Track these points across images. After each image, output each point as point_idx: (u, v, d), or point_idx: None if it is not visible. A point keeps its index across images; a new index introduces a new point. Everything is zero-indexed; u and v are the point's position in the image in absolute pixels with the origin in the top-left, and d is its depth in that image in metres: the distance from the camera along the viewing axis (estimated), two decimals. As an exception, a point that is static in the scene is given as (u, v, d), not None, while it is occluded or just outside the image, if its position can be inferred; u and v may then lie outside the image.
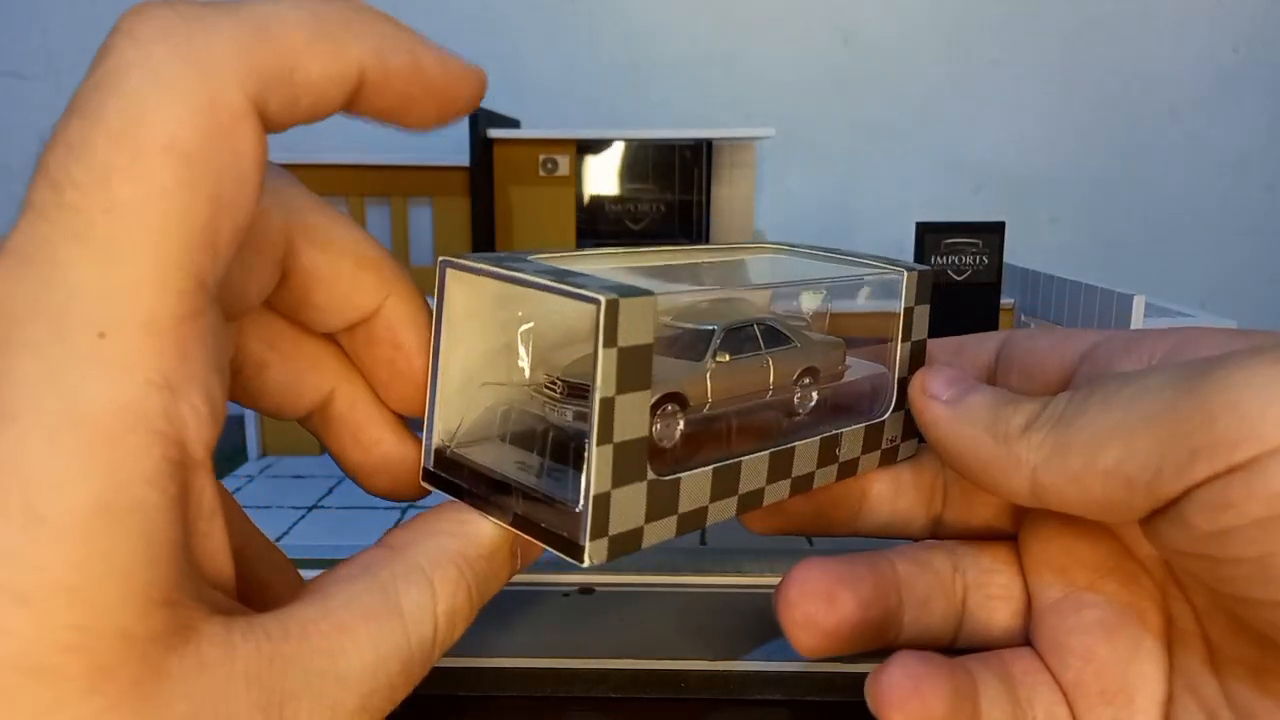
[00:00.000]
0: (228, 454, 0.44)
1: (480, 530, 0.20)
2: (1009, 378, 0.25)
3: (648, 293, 0.19)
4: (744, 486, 0.22)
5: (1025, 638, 0.24)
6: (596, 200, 0.47)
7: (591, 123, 0.47)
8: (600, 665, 0.26)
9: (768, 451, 0.22)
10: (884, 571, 0.23)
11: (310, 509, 0.37)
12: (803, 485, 0.24)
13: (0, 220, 0.16)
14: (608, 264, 0.26)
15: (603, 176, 0.47)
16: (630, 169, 0.47)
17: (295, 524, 0.35)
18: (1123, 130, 0.62)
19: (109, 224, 0.14)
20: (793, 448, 0.23)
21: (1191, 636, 0.21)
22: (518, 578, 0.31)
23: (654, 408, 0.21)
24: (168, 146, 0.14)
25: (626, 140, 0.46)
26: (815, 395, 0.25)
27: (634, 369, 0.19)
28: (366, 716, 0.17)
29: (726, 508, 0.22)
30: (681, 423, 0.22)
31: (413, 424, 0.22)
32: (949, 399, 0.22)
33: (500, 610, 0.29)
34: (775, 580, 0.31)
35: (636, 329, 0.19)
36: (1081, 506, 0.19)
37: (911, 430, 0.25)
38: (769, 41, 0.60)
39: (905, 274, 0.25)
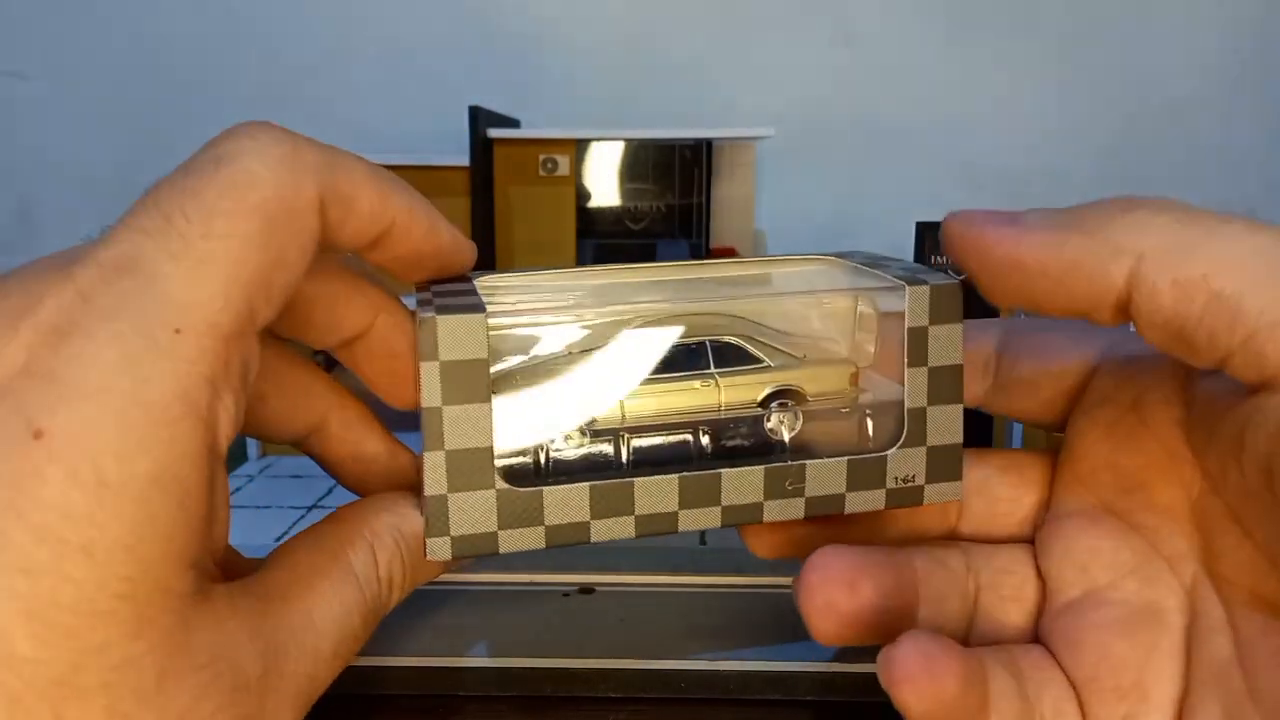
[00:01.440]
0: (228, 453, 0.44)
1: (414, 514, 0.23)
2: (1017, 366, 0.25)
3: (477, 311, 0.20)
4: (644, 508, 0.22)
5: (1035, 639, 0.24)
6: (596, 200, 0.47)
7: (591, 123, 0.47)
8: (600, 665, 0.26)
9: (676, 475, 0.22)
10: (901, 565, 0.23)
11: (310, 509, 0.37)
12: (745, 515, 0.23)
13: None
14: (591, 281, 0.26)
15: (603, 176, 0.47)
16: (630, 169, 0.47)
17: (295, 524, 0.35)
18: (1123, 130, 0.62)
19: (203, 247, 0.17)
20: (718, 474, 0.22)
21: (1218, 633, 0.21)
22: (518, 577, 0.31)
23: None
24: (259, 206, 0.18)
25: (626, 140, 0.46)
26: (799, 418, 0.24)
27: (463, 382, 0.20)
28: (339, 661, 0.21)
29: (620, 527, 0.22)
30: (582, 437, 0.23)
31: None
32: (1004, 219, 0.21)
33: (500, 610, 0.29)
34: (775, 580, 0.31)
35: (462, 344, 0.20)
36: (1163, 320, 0.18)
37: (945, 472, 0.23)
38: (769, 41, 0.60)
39: (908, 289, 0.22)
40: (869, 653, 0.27)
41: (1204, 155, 0.62)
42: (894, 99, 0.61)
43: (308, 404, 0.24)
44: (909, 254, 0.37)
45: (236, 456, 0.44)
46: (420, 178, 0.45)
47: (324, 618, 0.20)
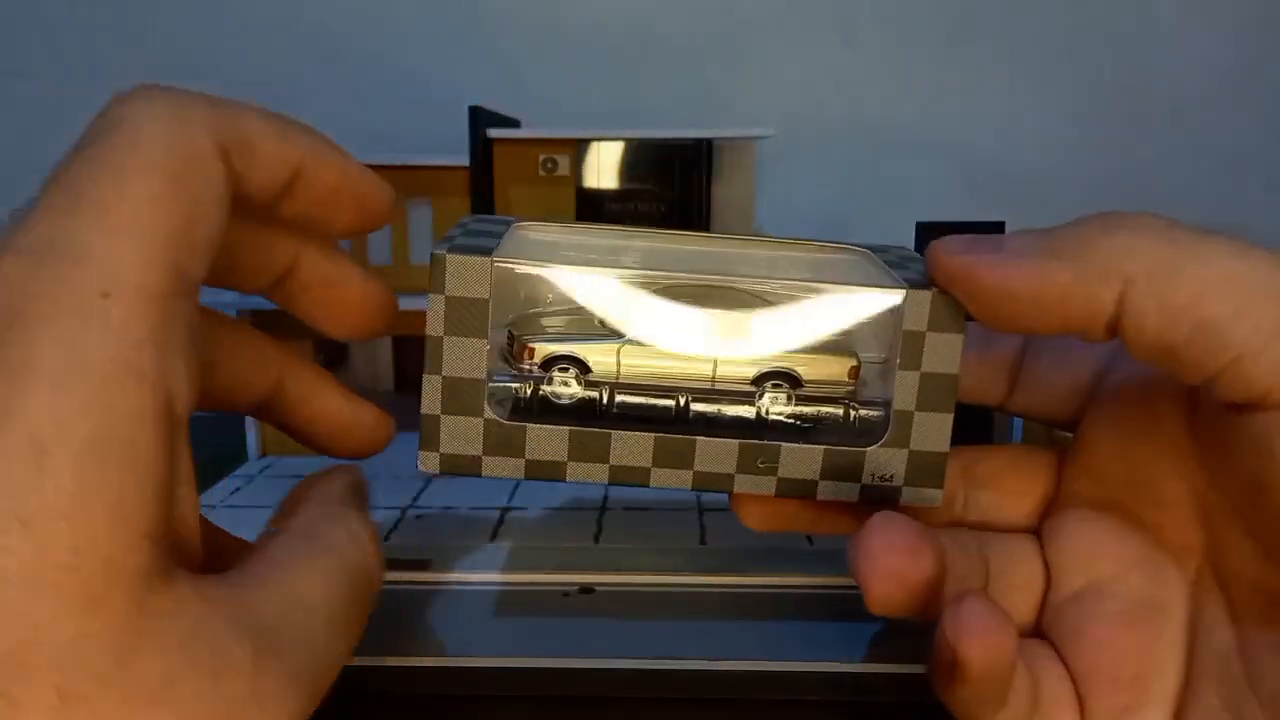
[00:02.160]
0: (228, 454, 0.44)
1: (347, 473, 0.24)
2: (1037, 366, 0.25)
3: (485, 254, 0.22)
4: (619, 460, 0.23)
5: (1036, 629, 0.24)
6: (596, 200, 0.47)
7: (591, 123, 0.47)
8: (600, 665, 0.26)
9: (652, 434, 0.23)
10: (937, 540, 0.23)
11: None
12: (716, 483, 0.23)
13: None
14: (603, 240, 0.26)
15: (603, 176, 0.47)
16: (630, 169, 0.47)
17: (295, 524, 0.35)
18: (1123, 130, 0.62)
19: (115, 212, 0.17)
20: (692, 440, 0.23)
21: (1220, 625, 0.21)
22: (518, 577, 0.31)
23: (549, 365, 0.24)
24: (159, 165, 0.18)
25: (626, 140, 0.46)
26: (786, 400, 0.25)
27: (464, 317, 0.22)
28: (340, 638, 0.20)
29: (595, 472, 0.23)
30: (575, 385, 0.24)
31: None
32: (988, 248, 0.21)
33: (500, 610, 0.29)
34: (775, 580, 0.31)
35: (467, 283, 0.22)
36: (1149, 343, 0.19)
37: (926, 478, 0.24)
38: (769, 41, 0.60)
39: (908, 292, 0.22)
40: (865, 652, 0.27)
41: (1204, 155, 0.62)
42: (894, 99, 0.61)
43: (260, 369, 0.25)
44: (909, 254, 0.37)
45: (236, 456, 0.44)
46: (420, 178, 0.45)
47: (311, 594, 0.20)
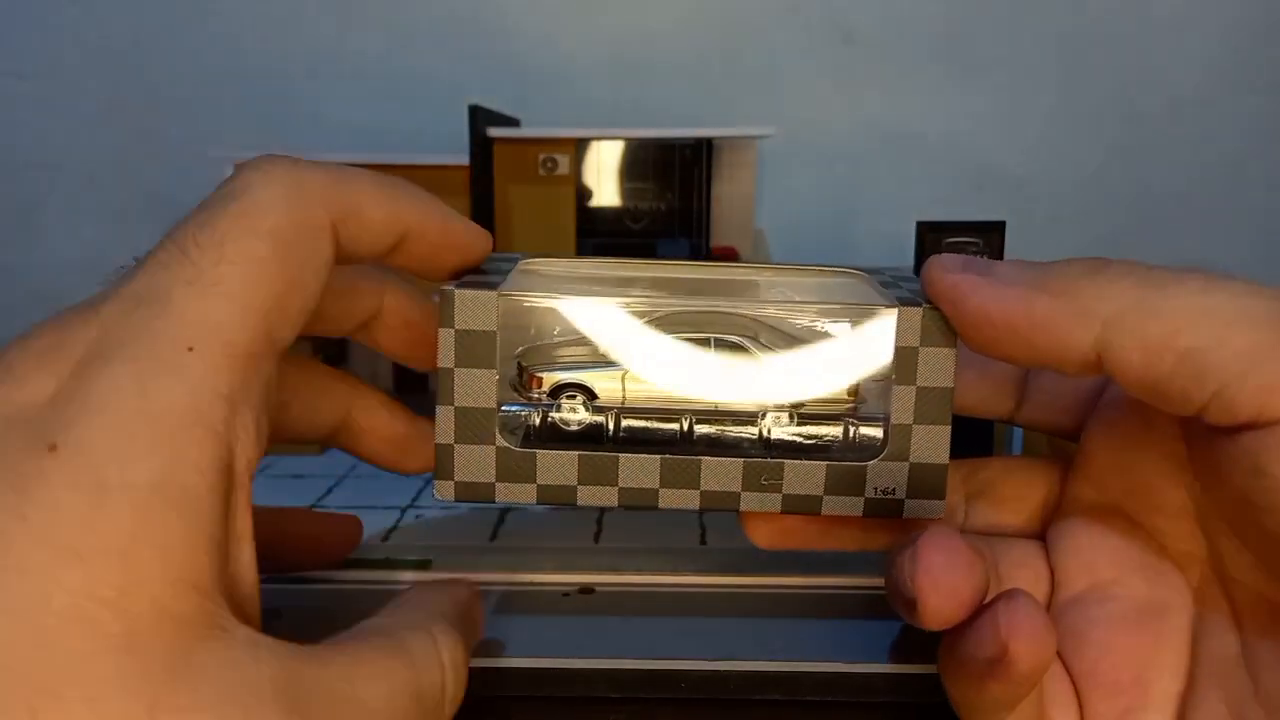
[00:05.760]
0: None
1: (460, 588, 0.24)
2: (1041, 378, 0.26)
3: (491, 289, 0.23)
4: (627, 482, 0.24)
5: None
6: (596, 199, 0.47)
7: (591, 122, 0.47)
8: (600, 665, 0.26)
9: (658, 456, 0.24)
10: (980, 551, 0.23)
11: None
12: (723, 502, 0.24)
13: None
14: (607, 272, 0.27)
15: (603, 176, 0.47)
16: (630, 169, 0.47)
17: (295, 524, 0.35)
18: (1123, 130, 0.62)
19: (215, 272, 0.18)
20: (698, 461, 0.24)
21: (1225, 631, 0.21)
22: (518, 577, 0.31)
23: (557, 393, 0.25)
24: (271, 231, 0.19)
25: (626, 140, 0.46)
26: (789, 420, 0.25)
27: (474, 349, 0.23)
28: None
29: (605, 495, 0.24)
30: (583, 411, 0.25)
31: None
32: (979, 270, 0.21)
33: (500, 610, 0.29)
34: (775, 580, 0.31)
35: (475, 317, 0.23)
36: (1136, 379, 0.19)
37: (928, 489, 0.24)
38: (769, 41, 0.60)
39: (899, 309, 0.23)
40: (861, 653, 0.27)
41: (1204, 155, 0.62)
42: (894, 99, 0.61)
43: (329, 401, 0.26)
44: (909, 254, 0.37)
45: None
46: (420, 177, 0.45)
47: (370, 692, 0.18)
